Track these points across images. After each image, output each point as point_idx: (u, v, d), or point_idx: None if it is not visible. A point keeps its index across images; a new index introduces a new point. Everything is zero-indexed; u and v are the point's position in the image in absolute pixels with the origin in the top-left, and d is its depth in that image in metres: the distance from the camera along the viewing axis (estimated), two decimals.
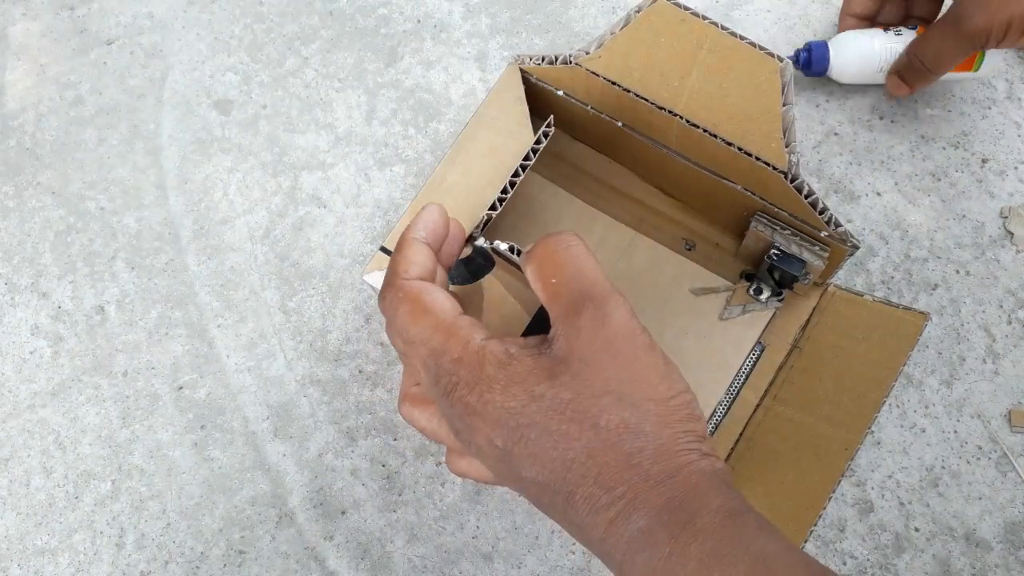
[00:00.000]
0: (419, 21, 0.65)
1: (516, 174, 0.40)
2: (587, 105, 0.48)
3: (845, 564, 0.51)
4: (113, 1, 0.66)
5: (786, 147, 0.41)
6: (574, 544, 0.51)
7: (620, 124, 0.47)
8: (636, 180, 0.53)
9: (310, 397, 0.55)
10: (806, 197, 0.41)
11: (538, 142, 0.40)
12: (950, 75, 0.57)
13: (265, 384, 0.55)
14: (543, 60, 0.47)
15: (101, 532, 0.52)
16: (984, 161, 0.59)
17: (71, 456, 0.54)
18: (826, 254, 0.45)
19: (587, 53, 0.44)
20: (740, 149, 0.42)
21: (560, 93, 0.48)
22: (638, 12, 0.42)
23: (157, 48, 0.64)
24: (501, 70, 0.53)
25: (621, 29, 0.43)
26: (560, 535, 0.51)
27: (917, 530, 0.51)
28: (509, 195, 0.40)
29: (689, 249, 0.51)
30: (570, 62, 0.45)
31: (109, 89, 0.63)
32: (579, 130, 0.53)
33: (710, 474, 0.31)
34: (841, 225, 0.43)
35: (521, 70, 0.48)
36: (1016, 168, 0.59)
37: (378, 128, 0.61)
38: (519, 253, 0.38)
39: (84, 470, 0.53)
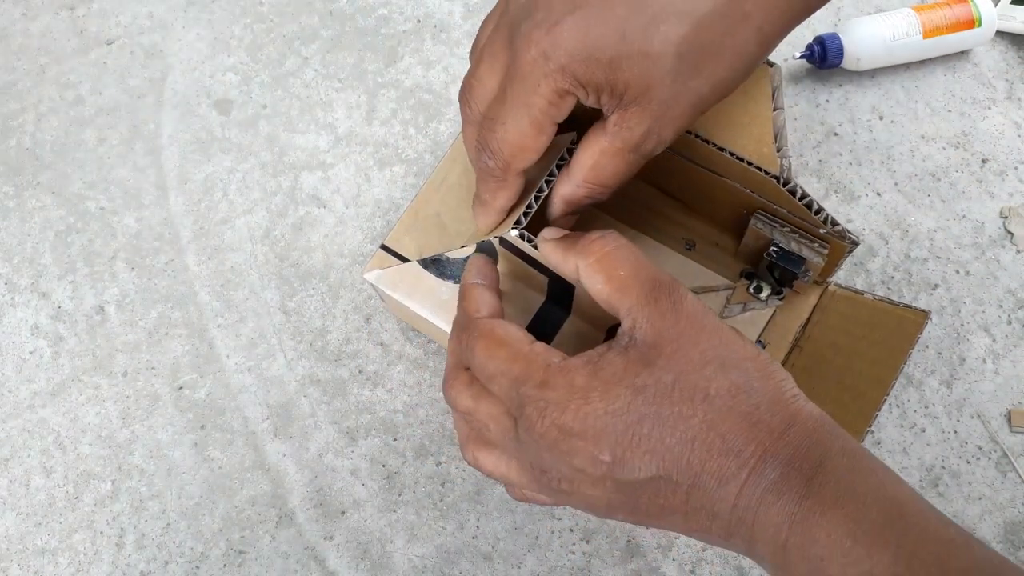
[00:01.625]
0: (419, 21, 0.65)
1: (540, 189, 0.40)
2: None
3: None
4: (113, 1, 0.66)
5: (777, 152, 0.41)
6: (574, 544, 0.51)
7: None
8: (636, 180, 0.53)
9: (310, 397, 0.55)
10: (800, 199, 0.41)
11: (562, 159, 0.40)
12: (959, 37, 0.58)
13: (265, 384, 0.55)
14: None
15: (101, 532, 0.52)
16: (984, 161, 0.59)
17: (71, 456, 0.54)
18: (825, 251, 0.45)
19: None
20: (732, 154, 0.42)
21: None
22: None
23: (157, 48, 0.64)
24: None
25: None
26: (560, 535, 0.51)
27: None
28: (534, 210, 0.40)
29: (689, 249, 0.51)
30: None
31: (109, 89, 0.63)
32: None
33: (821, 417, 0.32)
34: (838, 224, 0.43)
35: None
36: (1016, 168, 0.59)
37: (378, 128, 0.61)
38: (530, 240, 0.39)
39: (84, 470, 0.53)
